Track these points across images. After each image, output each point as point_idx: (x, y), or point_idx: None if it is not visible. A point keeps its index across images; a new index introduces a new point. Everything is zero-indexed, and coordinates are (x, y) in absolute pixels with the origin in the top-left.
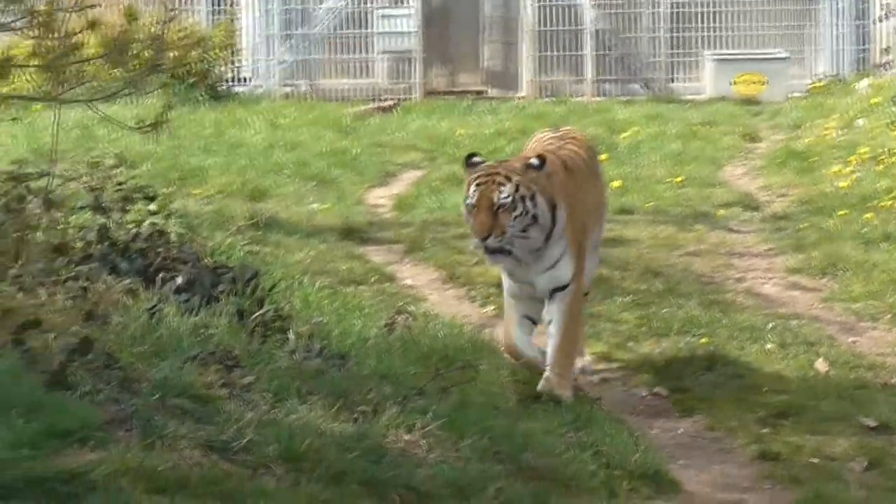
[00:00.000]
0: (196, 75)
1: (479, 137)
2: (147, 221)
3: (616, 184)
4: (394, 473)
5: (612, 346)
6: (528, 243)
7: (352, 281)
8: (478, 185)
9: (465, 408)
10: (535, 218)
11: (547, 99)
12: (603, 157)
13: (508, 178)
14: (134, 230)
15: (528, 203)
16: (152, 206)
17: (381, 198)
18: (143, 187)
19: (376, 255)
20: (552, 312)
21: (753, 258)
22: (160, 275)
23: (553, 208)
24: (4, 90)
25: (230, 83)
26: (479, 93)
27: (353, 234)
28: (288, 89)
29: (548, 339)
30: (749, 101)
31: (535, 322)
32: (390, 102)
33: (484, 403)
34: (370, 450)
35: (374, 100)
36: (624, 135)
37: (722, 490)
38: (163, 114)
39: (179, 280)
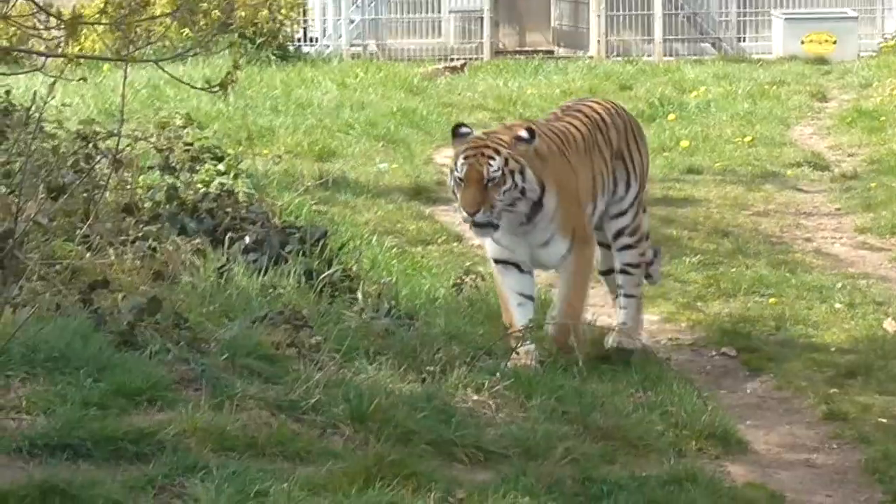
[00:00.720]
0: (265, 35)
1: (548, 97)
2: (215, 181)
3: (684, 143)
4: (462, 433)
5: (680, 306)
6: (515, 217)
7: (420, 241)
8: (466, 157)
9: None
10: (523, 192)
11: (616, 58)
12: (671, 116)
13: (497, 152)
14: (202, 190)
15: (518, 177)
16: (221, 166)
17: (449, 157)
18: (211, 147)
19: (444, 214)
20: (560, 275)
21: (822, 218)
22: (228, 235)
23: (542, 186)
24: (74, 50)
25: (299, 43)
26: (547, 52)
27: (421, 193)
28: (356, 49)
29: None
30: (818, 61)
31: (531, 298)
32: (459, 62)
33: (552, 363)
34: (438, 410)
35: (442, 59)
36: (693, 94)
37: (790, 450)
38: (230, 73)
39: (248, 240)
